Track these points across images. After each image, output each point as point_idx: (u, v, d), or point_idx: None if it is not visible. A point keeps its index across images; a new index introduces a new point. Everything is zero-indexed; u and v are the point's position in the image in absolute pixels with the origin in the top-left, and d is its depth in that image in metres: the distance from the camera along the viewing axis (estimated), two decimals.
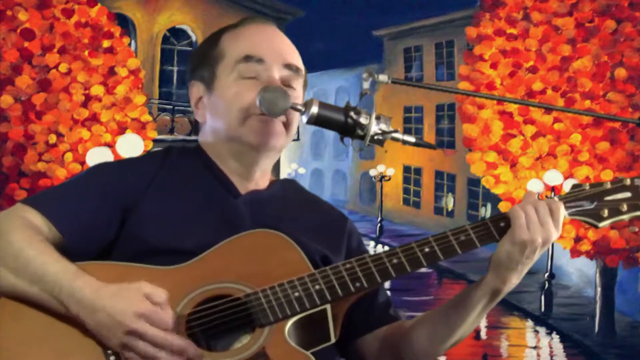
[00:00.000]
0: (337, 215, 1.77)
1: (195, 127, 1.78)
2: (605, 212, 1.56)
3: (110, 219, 1.53)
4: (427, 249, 1.51)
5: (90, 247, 1.51)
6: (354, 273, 1.49)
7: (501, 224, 1.52)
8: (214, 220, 1.58)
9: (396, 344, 1.65)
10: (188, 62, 1.76)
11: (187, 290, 1.45)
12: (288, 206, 1.68)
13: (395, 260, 1.50)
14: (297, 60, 1.66)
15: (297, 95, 1.65)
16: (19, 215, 1.50)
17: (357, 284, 1.49)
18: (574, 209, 1.56)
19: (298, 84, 1.66)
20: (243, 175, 1.66)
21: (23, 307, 1.45)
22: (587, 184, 1.58)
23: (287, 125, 1.63)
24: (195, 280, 1.45)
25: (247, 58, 1.61)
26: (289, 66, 1.63)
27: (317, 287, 1.47)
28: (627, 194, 1.57)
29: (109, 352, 1.39)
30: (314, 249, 1.58)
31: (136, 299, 1.37)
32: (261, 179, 1.69)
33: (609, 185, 1.58)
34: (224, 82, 1.63)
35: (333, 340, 1.52)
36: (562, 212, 1.52)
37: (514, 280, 1.53)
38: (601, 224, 1.57)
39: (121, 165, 1.72)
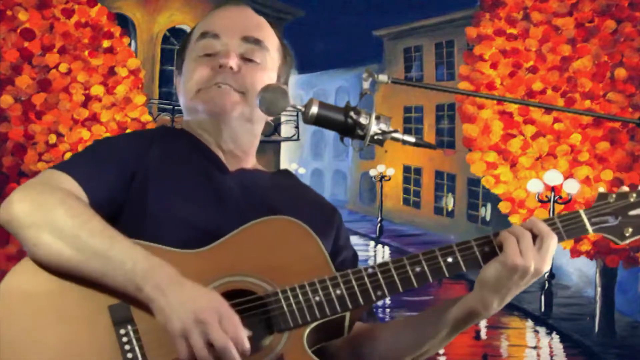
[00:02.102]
0: (328, 206, 1.79)
1: None
2: (629, 231, 1.58)
3: (124, 184, 1.56)
4: (450, 259, 1.50)
5: (106, 209, 1.51)
6: (377, 280, 1.48)
7: None
8: (204, 192, 1.61)
9: (359, 342, 1.64)
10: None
11: (207, 280, 1.45)
12: (279, 187, 1.71)
13: (418, 269, 1.49)
14: (259, 33, 1.68)
15: (264, 67, 1.67)
16: (57, 187, 1.49)
17: (379, 293, 1.48)
18: (598, 225, 1.58)
19: (262, 57, 1.67)
20: (227, 152, 1.69)
21: (33, 289, 1.42)
22: (613, 194, 1.58)
23: (244, 92, 1.64)
24: (215, 269, 1.46)
25: (203, 35, 1.67)
26: (247, 39, 1.66)
27: (339, 292, 1.46)
28: None
29: (124, 342, 1.38)
30: None
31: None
32: (247, 158, 1.72)
33: (632, 198, 1.57)
34: (187, 63, 1.70)
35: (345, 335, 1.52)
36: (553, 246, 1.56)
37: (494, 305, 1.51)
38: (623, 242, 1.59)
39: (125, 136, 1.83)
